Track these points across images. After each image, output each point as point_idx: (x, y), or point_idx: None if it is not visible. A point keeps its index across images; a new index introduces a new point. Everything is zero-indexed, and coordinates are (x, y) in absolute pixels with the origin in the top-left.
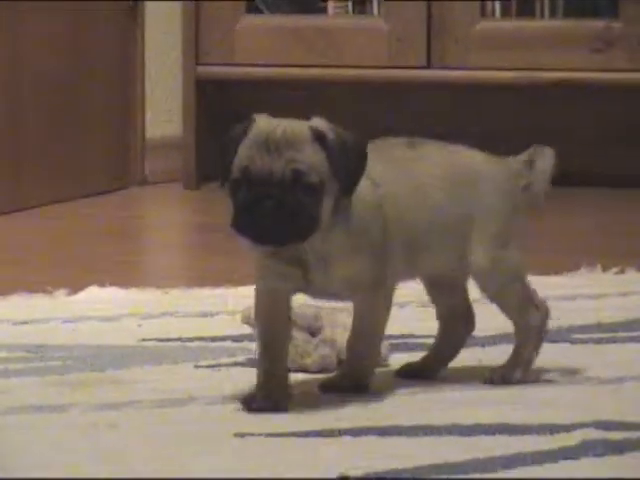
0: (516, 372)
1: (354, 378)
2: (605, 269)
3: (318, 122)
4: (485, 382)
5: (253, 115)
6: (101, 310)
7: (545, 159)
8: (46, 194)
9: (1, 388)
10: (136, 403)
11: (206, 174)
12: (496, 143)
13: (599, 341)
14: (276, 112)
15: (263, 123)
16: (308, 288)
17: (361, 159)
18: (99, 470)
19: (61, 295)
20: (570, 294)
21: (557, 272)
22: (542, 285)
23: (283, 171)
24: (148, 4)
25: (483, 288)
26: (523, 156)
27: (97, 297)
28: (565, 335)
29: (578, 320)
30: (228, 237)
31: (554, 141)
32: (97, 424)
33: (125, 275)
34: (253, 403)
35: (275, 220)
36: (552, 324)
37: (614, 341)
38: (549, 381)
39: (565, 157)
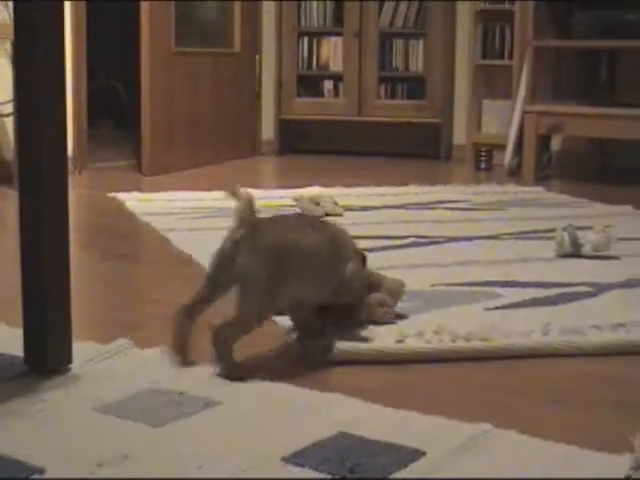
0: None
1: None
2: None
3: None
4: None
5: None
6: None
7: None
8: (210, 158)
9: (201, 226)
10: None
11: (281, 152)
12: None
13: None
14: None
15: None
16: None
17: None
18: None
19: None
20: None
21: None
22: (397, 193)
23: None
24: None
25: None
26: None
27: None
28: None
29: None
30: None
31: None
32: None
33: (256, 184)
34: None
35: None
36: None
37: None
38: None
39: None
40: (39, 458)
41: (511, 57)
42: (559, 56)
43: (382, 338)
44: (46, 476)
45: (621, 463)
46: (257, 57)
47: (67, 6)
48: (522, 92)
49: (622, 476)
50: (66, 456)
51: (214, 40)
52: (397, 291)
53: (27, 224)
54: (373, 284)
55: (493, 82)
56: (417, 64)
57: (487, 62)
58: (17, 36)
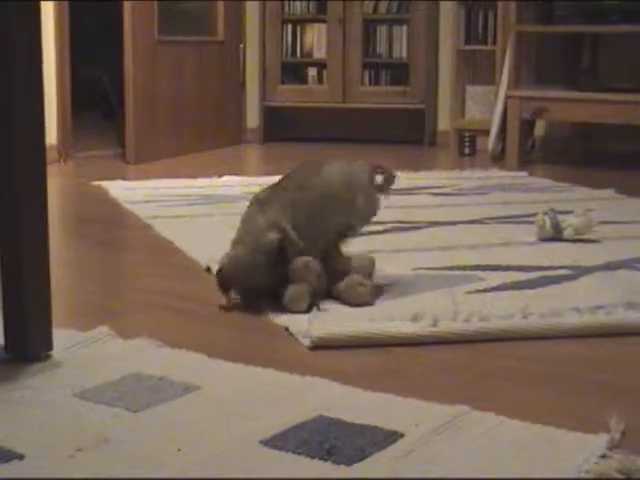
0: None
1: None
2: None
3: None
4: None
5: None
6: (230, 185)
7: None
8: (195, 146)
9: (184, 213)
10: None
11: (265, 139)
12: None
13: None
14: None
15: None
16: None
17: None
18: None
19: (213, 178)
20: None
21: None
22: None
23: None
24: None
25: None
26: None
27: (230, 180)
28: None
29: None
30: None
31: None
32: None
33: (240, 172)
34: None
35: None
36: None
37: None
38: None
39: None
40: (19, 444)
41: (494, 43)
42: (542, 41)
43: (359, 321)
44: (26, 461)
45: (597, 443)
46: (241, 45)
47: None
48: (505, 77)
49: (599, 455)
50: (46, 441)
51: (198, 28)
52: (368, 268)
53: (5, 211)
54: (345, 265)
55: (476, 68)
56: (401, 50)
57: (470, 48)
58: None
